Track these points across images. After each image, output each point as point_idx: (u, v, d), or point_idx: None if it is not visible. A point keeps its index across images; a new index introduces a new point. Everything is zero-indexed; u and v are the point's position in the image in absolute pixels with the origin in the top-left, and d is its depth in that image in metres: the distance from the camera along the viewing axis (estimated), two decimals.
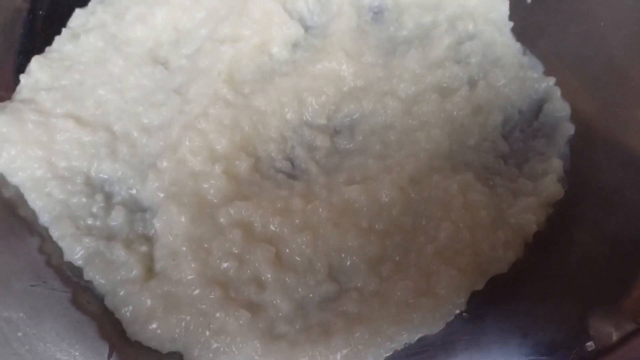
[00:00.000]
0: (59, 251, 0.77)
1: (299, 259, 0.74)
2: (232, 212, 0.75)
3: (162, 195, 0.78)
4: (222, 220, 0.75)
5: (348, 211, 0.75)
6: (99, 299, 0.75)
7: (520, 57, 0.84)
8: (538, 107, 0.82)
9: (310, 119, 0.83)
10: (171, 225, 0.75)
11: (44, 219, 0.79)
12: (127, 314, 0.72)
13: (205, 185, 0.77)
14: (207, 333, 0.70)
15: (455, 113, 0.79)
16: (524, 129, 0.81)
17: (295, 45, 0.88)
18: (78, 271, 0.76)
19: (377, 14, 0.89)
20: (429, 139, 0.77)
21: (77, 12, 0.92)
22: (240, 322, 0.69)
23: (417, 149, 0.77)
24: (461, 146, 0.79)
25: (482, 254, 0.71)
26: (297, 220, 0.75)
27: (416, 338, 0.70)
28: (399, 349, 0.70)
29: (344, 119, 0.83)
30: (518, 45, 0.85)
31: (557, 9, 0.88)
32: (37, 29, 0.94)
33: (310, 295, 0.73)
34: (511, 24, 0.86)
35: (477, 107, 0.80)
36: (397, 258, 0.73)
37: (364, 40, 0.85)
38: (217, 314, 0.70)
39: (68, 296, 0.75)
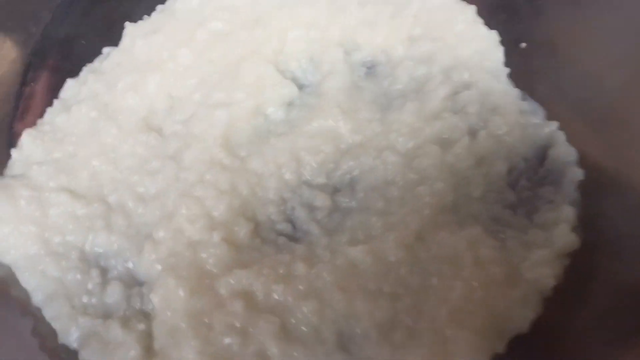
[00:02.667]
0: (53, 333, 0.74)
1: (305, 329, 0.70)
2: (232, 281, 0.72)
3: (159, 267, 0.74)
4: (222, 291, 0.71)
5: (353, 273, 0.72)
6: None
7: (520, 103, 0.83)
8: (543, 153, 0.79)
9: (309, 178, 0.81)
10: (169, 300, 0.71)
11: (37, 298, 0.76)
12: None
13: (203, 255, 0.74)
14: None
15: (457, 165, 0.77)
16: (530, 177, 0.79)
17: (290, 105, 0.87)
18: (73, 355, 0.72)
19: (370, 69, 0.88)
20: (432, 193, 0.75)
21: (69, 82, 0.92)
22: None
23: (421, 205, 0.74)
24: (466, 198, 0.76)
25: (498, 313, 0.67)
26: (301, 287, 0.71)
27: None
28: None
29: (344, 176, 0.80)
30: (516, 92, 0.84)
31: (553, 52, 0.87)
32: (29, 101, 0.94)
33: None
34: (507, 70, 0.85)
35: (480, 158, 0.78)
36: (409, 323, 0.69)
37: (358, 96, 0.84)
38: None
39: None
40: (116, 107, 0.87)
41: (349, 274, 0.72)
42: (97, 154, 0.83)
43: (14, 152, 0.85)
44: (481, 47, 0.85)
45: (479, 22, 0.87)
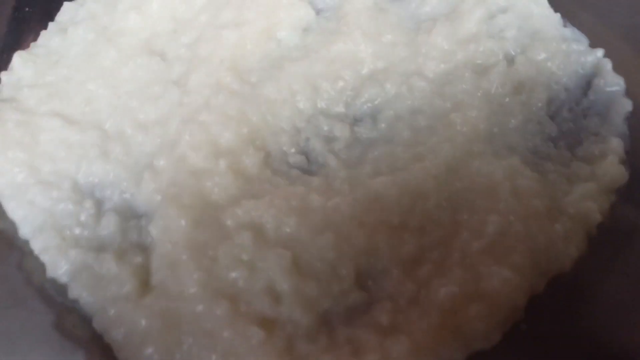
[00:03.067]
0: (41, 267, 0.67)
1: (319, 265, 0.63)
2: (240, 213, 0.64)
3: (159, 197, 0.67)
4: (228, 222, 0.64)
5: (375, 207, 0.64)
6: (86, 321, 0.64)
7: (561, 29, 0.75)
8: (586, 83, 0.72)
9: (325, 107, 0.73)
10: (170, 231, 0.64)
11: (24, 230, 0.69)
12: (119, 336, 0.60)
13: (208, 184, 0.66)
14: (214, 357, 0.58)
15: (493, 92, 0.69)
16: (572, 108, 0.71)
17: (306, 30, 0.79)
18: (63, 290, 0.65)
19: None
20: (465, 121, 0.67)
21: (66, 5, 0.85)
22: (253, 341, 0.57)
23: (452, 133, 0.67)
24: (502, 129, 0.68)
25: (539, 249, 0.60)
26: (316, 220, 0.64)
27: (466, 354, 0.58)
28: None
29: (365, 105, 0.73)
30: (557, 17, 0.75)
31: None
32: (23, 26, 0.86)
33: (336, 307, 0.61)
34: None
35: (518, 84, 0.70)
36: (436, 259, 0.61)
37: (382, 18, 0.76)
38: (225, 334, 0.58)
39: (50, 319, 0.64)
40: (116, 29, 0.79)
41: (371, 207, 0.64)
42: (94, 77, 0.76)
43: (3, 75, 0.77)
44: None
45: None
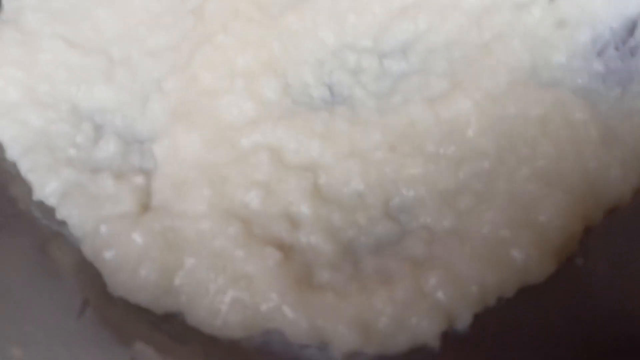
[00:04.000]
0: (28, 190, 0.59)
1: (345, 190, 0.56)
2: (257, 133, 0.58)
3: (166, 118, 0.61)
4: (243, 142, 0.58)
5: (408, 133, 0.58)
6: (73, 248, 0.56)
7: None
8: (632, 22, 0.67)
9: (352, 40, 0.67)
10: (177, 149, 0.57)
11: (12, 151, 0.61)
12: (111, 257, 0.52)
13: (222, 103, 0.60)
14: (221, 279, 0.50)
15: (534, 25, 0.64)
16: (618, 47, 0.65)
17: None
18: (49, 213, 0.57)
19: None
20: (507, 51, 0.61)
21: None
22: (269, 262, 0.49)
23: (493, 63, 0.61)
24: (546, 62, 0.62)
25: (594, 175, 0.53)
26: (342, 144, 0.58)
27: (516, 288, 0.49)
28: (491, 304, 0.49)
29: (395, 39, 0.67)
30: None
31: None
32: None
33: (362, 236, 0.54)
34: None
35: (560, 20, 0.65)
36: (479, 188, 0.54)
37: None
38: (237, 252, 0.50)
39: (34, 243, 0.56)
40: None
41: (403, 133, 0.58)
42: (103, 6, 0.70)
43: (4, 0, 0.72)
44: None
45: None
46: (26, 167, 0.59)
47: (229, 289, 0.49)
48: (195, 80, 0.62)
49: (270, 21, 0.67)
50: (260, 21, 0.67)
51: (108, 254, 0.52)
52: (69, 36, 0.68)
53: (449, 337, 0.48)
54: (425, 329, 0.47)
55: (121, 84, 0.65)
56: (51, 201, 0.57)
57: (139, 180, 0.57)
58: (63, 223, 0.56)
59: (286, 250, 0.51)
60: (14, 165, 0.61)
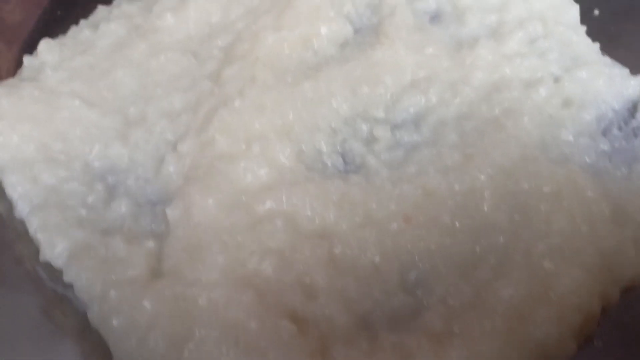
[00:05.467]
0: (35, 250, 0.58)
1: (360, 261, 0.55)
2: (272, 199, 0.58)
3: (180, 181, 0.61)
4: (258, 208, 0.57)
5: (424, 203, 0.58)
6: (78, 312, 0.54)
7: (601, 57, 0.74)
8: (632, 105, 0.70)
9: (364, 110, 0.69)
10: (191, 213, 0.57)
11: (22, 209, 0.60)
12: (118, 325, 0.50)
13: (237, 168, 0.60)
14: (233, 353, 0.48)
15: (542, 103, 0.66)
16: (621, 128, 0.68)
17: (342, 45, 0.78)
18: (56, 275, 0.56)
19: (434, 18, 0.80)
20: (517, 126, 0.63)
21: (100, 8, 0.83)
22: (284, 336, 0.48)
23: (504, 137, 0.62)
24: (555, 139, 0.64)
25: (608, 252, 0.53)
26: (357, 213, 0.58)
27: None
28: None
29: (406, 111, 0.69)
30: (597, 46, 0.75)
31: (630, 18, 0.81)
32: (52, 25, 0.84)
33: (379, 309, 0.53)
34: (584, 27, 0.78)
35: (567, 99, 0.68)
36: (495, 262, 0.54)
37: (423, 35, 0.75)
38: (250, 324, 0.49)
39: (37, 305, 0.54)
40: (149, 27, 0.77)
41: (419, 203, 0.58)
42: (120, 66, 0.72)
43: (26, 59, 0.73)
44: (554, 3, 0.78)
45: None
46: (35, 226, 0.58)
47: None
48: (211, 144, 0.62)
49: (286, 88, 0.69)
50: (276, 88, 0.68)
51: (116, 321, 0.50)
52: (86, 95, 0.69)
53: None
54: None
55: (136, 144, 0.66)
56: (59, 263, 0.56)
57: (151, 244, 0.56)
58: (69, 286, 0.55)
59: (300, 321, 0.50)
60: (22, 223, 0.60)
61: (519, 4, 0.78)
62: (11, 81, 0.70)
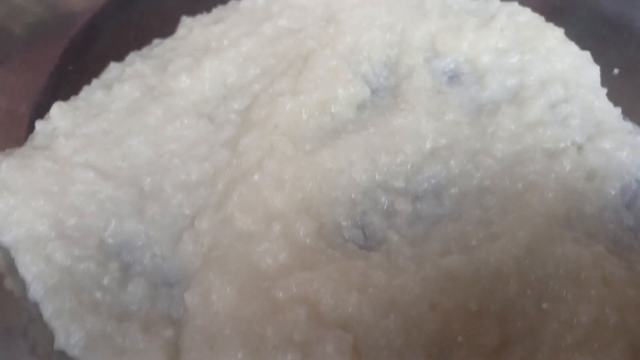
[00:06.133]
0: (49, 336, 0.56)
1: (385, 352, 0.53)
2: (293, 285, 0.56)
3: (198, 263, 0.59)
4: (280, 295, 0.56)
5: (449, 288, 0.57)
6: None
7: (623, 122, 0.73)
8: None
9: (384, 180, 0.68)
10: (210, 300, 0.55)
11: (36, 290, 0.59)
12: None
13: (257, 250, 0.59)
14: None
15: (566, 175, 0.65)
16: None
17: (360, 107, 0.77)
18: None
19: (453, 78, 0.79)
20: (542, 203, 0.62)
21: (112, 65, 0.82)
22: None
23: (529, 214, 0.61)
24: (579, 214, 0.63)
25: (638, 343, 0.52)
26: (381, 300, 0.56)
27: None
28: None
29: (427, 181, 0.68)
30: (618, 110, 0.74)
31: None
32: (63, 82, 0.83)
33: None
34: (605, 90, 0.77)
35: (591, 171, 0.67)
36: (522, 353, 0.53)
37: (442, 98, 0.74)
38: None
39: None
40: (164, 89, 0.76)
41: (444, 288, 0.57)
42: (135, 133, 0.71)
43: (38, 124, 0.72)
44: (575, 64, 0.78)
45: (570, 41, 0.81)
46: (50, 312, 0.57)
47: None
48: (230, 222, 0.61)
49: (305, 157, 0.68)
50: (294, 158, 0.67)
51: None
52: (100, 165, 0.68)
53: None
54: None
55: (152, 219, 0.64)
56: (74, 352, 0.55)
57: (169, 332, 0.55)
58: None
59: None
60: (36, 305, 0.59)
61: (539, 65, 0.77)
62: (24, 150, 0.69)
